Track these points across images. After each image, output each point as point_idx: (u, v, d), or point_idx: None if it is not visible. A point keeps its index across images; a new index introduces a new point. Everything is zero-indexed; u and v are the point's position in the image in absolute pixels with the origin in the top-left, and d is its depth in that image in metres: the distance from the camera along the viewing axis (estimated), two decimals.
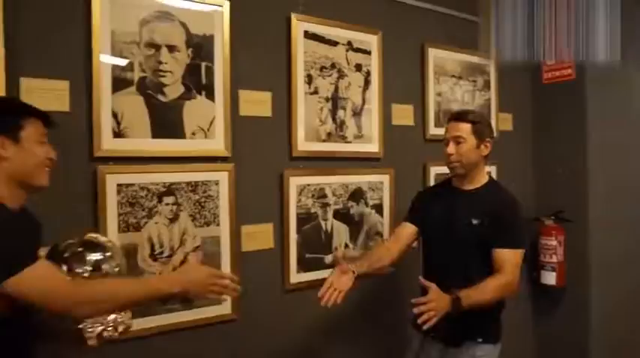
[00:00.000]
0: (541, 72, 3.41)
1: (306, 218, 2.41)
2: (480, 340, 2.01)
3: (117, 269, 1.57)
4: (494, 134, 2.09)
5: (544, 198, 3.45)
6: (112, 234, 1.88)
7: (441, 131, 2.89)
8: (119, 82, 1.92)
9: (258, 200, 2.30)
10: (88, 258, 1.53)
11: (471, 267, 1.98)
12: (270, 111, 2.33)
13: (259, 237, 2.30)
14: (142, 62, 1.97)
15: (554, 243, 3.24)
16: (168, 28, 2.02)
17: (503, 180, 3.16)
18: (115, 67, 1.91)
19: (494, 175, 3.18)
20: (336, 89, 2.52)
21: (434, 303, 1.73)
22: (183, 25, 2.06)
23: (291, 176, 2.36)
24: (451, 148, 2.02)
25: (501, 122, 3.29)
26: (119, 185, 1.91)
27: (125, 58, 1.94)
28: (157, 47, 2.00)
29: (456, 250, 2.01)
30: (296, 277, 2.37)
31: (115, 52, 1.92)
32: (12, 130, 1.39)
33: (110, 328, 1.51)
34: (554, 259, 3.24)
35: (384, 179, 2.67)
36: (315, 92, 2.44)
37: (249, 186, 2.25)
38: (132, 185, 1.94)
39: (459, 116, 2.06)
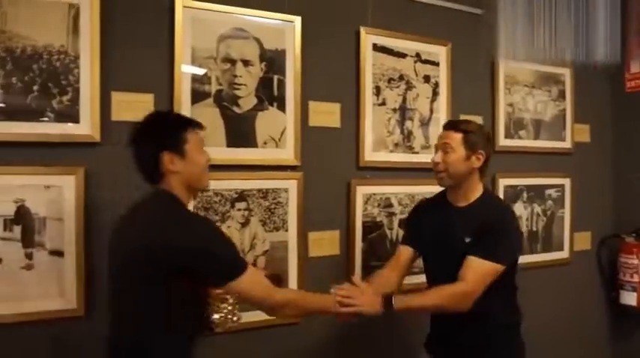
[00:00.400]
0: (624, 80, 3.28)
1: (371, 226, 2.46)
2: None
3: None
4: (490, 148, 1.95)
5: (624, 213, 3.29)
6: None
7: (511, 142, 2.89)
8: (198, 95, 2.07)
9: (325, 207, 2.37)
10: None
11: None
12: (339, 121, 2.40)
13: (326, 243, 2.37)
14: (219, 76, 2.11)
15: (636, 261, 3.07)
16: (243, 43, 2.15)
17: (579, 195, 3.14)
18: (194, 81, 2.06)
19: (567, 189, 3.09)
20: (404, 100, 2.55)
21: (358, 301, 1.73)
22: (257, 40, 2.18)
23: (358, 185, 2.42)
24: (437, 156, 1.90)
25: (577, 133, 3.18)
26: None
27: (204, 71, 2.08)
28: (233, 62, 2.13)
29: (452, 270, 1.84)
30: None
31: (195, 67, 2.06)
32: (178, 146, 1.50)
33: (229, 317, 1.62)
34: (635, 278, 3.08)
35: None
36: (383, 103, 2.49)
37: (317, 194, 2.32)
38: (207, 191, 2.07)
39: (452, 125, 1.94)
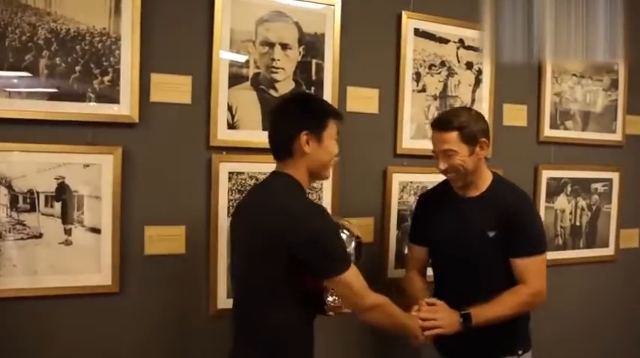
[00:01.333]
0: None
1: (407, 214, 2.42)
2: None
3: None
4: (487, 127, 1.84)
5: None
6: (222, 219, 2.04)
7: (557, 133, 2.78)
8: (235, 78, 2.07)
9: (360, 194, 2.34)
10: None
11: (497, 289, 1.75)
12: (377, 107, 2.36)
13: (360, 230, 2.31)
14: (257, 59, 2.10)
15: None
16: (282, 26, 2.13)
17: (627, 190, 3.00)
18: (232, 64, 2.06)
19: (615, 184, 2.96)
20: (445, 87, 2.49)
21: (439, 322, 1.69)
22: (296, 24, 2.16)
23: (394, 172, 2.38)
24: (442, 164, 1.79)
25: (629, 125, 3.02)
26: (230, 173, 2.06)
27: (242, 55, 2.07)
28: (271, 45, 2.12)
29: (474, 271, 1.78)
30: (393, 272, 2.39)
31: (233, 50, 2.06)
32: (319, 129, 1.54)
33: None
34: None
35: None
36: (423, 90, 2.43)
37: (352, 180, 2.30)
38: (242, 173, 2.08)
39: (442, 124, 1.79)
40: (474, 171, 1.81)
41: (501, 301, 1.74)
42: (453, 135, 1.75)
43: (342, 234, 1.63)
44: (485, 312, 1.71)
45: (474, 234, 1.79)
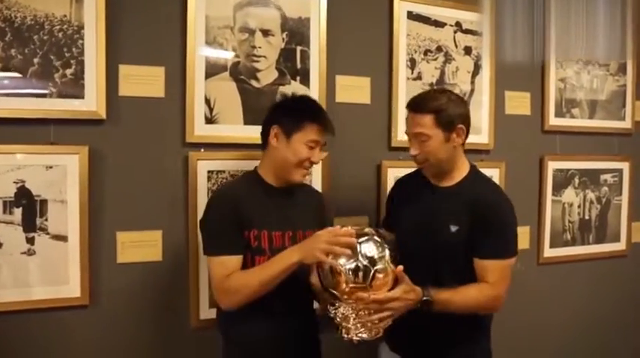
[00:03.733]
0: None
1: None
2: None
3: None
4: (468, 112, 1.68)
5: None
6: None
7: (562, 122, 2.62)
8: (212, 68, 1.90)
9: (353, 191, 2.19)
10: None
11: (445, 284, 1.56)
12: (369, 97, 2.21)
13: None
14: (236, 47, 1.93)
15: None
16: (263, 11, 1.97)
17: (639, 181, 2.83)
18: (208, 53, 1.89)
19: (625, 174, 2.80)
20: (442, 74, 2.32)
21: (397, 303, 1.43)
22: (278, 8, 1.99)
23: (390, 167, 2.21)
24: (414, 149, 1.64)
25: (639, 112, 2.86)
26: (209, 171, 1.90)
27: (219, 43, 1.91)
28: (251, 31, 1.95)
29: (434, 265, 1.60)
30: None
31: (209, 37, 1.89)
32: (289, 127, 1.56)
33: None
34: None
35: (493, 173, 2.41)
36: (419, 78, 2.27)
37: (344, 176, 2.15)
38: (222, 172, 1.92)
39: (417, 106, 1.63)
40: (448, 159, 1.65)
41: (466, 296, 1.56)
42: (428, 118, 1.60)
43: (371, 244, 1.45)
44: (448, 304, 1.51)
45: (435, 226, 1.64)
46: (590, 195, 2.74)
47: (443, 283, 1.55)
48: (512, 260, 1.63)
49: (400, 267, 1.44)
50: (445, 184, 1.70)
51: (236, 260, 1.52)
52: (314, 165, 1.66)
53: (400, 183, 1.92)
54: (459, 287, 1.56)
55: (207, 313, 1.91)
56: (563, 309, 2.67)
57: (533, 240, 2.59)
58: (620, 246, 2.83)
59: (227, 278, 1.49)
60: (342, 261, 1.42)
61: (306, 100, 1.69)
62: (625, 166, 2.81)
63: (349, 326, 1.45)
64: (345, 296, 1.43)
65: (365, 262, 1.41)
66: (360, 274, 1.41)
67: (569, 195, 2.67)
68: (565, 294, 2.69)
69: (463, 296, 1.55)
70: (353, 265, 1.41)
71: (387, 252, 1.45)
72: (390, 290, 1.44)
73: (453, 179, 1.69)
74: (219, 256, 1.51)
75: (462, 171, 1.69)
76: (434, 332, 1.62)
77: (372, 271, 1.41)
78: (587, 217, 2.73)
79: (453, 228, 1.61)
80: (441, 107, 1.61)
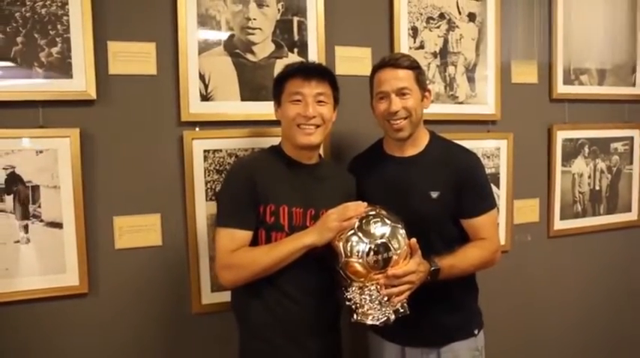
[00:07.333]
0: None
1: None
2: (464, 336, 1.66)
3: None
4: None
5: None
6: (199, 204, 1.80)
7: (571, 89, 2.53)
8: (206, 42, 1.81)
9: None
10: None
11: (437, 252, 1.52)
12: (370, 69, 2.10)
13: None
14: (229, 19, 1.84)
15: None
16: None
17: None
18: (201, 26, 1.80)
19: (637, 142, 2.72)
20: (446, 43, 2.22)
21: (414, 276, 1.38)
22: None
23: None
24: (396, 103, 1.56)
25: None
26: (206, 151, 1.82)
27: (211, 16, 1.81)
28: (245, 2, 1.86)
29: (418, 235, 1.45)
30: None
31: (201, 10, 1.80)
32: (277, 94, 1.56)
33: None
34: None
35: (501, 144, 2.34)
36: (421, 47, 2.17)
37: (347, 153, 2.03)
38: (219, 151, 1.84)
39: (397, 62, 1.59)
40: (420, 121, 1.64)
41: (468, 256, 1.57)
42: (410, 73, 1.60)
43: (384, 227, 1.39)
44: (452, 269, 1.51)
45: (414, 195, 1.61)
46: (601, 165, 2.66)
47: (436, 250, 1.52)
48: (495, 212, 1.68)
49: (413, 240, 1.40)
50: (410, 154, 1.67)
51: (245, 235, 1.45)
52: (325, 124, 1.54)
53: (356, 164, 1.82)
54: (456, 250, 1.56)
55: (209, 298, 1.85)
56: (575, 283, 2.60)
57: (543, 212, 2.51)
58: (632, 216, 2.75)
59: (232, 253, 1.43)
60: (355, 241, 1.37)
61: (291, 64, 1.61)
62: (636, 134, 2.72)
63: (365, 307, 1.39)
64: (362, 279, 1.38)
65: (379, 241, 1.36)
66: (377, 255, 1.35)
67: (579, 165, 2.59)
68: (577, 268, 2.62)
69: (465, 257, 1.56)
70: (367, 247, 1.36)
71: (399, 228, 1.40)
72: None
73: (417, 146, 1.67)
74: (227, 228, 1.45)
75: (423, 138, 1.68)
76: (429, 302, 1.53)
77: (389, 249, 1.36)
78: (597, 187, 2.66)
79: (434, 194, 1.59)
80: (419, 65, 1.63)
